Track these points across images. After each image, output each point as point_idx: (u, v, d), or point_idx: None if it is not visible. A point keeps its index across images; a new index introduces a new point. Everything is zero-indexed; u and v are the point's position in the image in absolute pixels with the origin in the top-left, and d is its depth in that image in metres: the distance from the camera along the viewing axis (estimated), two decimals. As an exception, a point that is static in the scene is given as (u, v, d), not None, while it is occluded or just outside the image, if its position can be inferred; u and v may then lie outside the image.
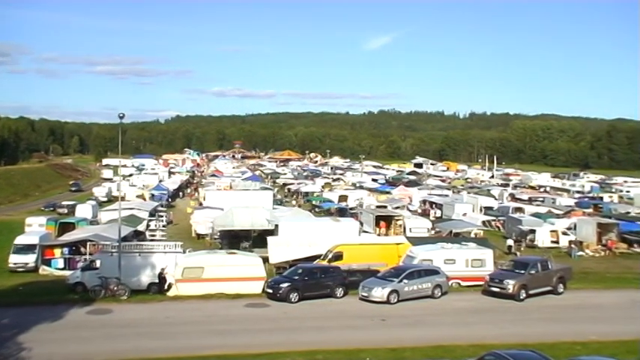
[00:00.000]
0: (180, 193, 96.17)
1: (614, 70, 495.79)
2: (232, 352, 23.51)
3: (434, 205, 75.47)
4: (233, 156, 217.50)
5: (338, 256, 37.76)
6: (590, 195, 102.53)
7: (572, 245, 51.85)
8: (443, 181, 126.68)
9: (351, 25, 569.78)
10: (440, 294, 33.76)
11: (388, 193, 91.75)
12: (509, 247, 51.33)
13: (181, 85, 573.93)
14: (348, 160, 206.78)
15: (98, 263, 35.00)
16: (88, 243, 41.05)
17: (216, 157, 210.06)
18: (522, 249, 51.96)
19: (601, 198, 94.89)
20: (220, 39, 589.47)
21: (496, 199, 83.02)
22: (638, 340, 24.07)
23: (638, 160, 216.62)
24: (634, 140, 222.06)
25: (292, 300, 31.82)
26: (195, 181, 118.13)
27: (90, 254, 39.50)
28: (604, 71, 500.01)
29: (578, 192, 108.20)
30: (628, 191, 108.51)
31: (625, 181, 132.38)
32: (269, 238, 42.20)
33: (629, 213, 74.61)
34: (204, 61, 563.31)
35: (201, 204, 69.83)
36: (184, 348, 23.94)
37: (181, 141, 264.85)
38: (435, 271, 34.46)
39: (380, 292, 32.10)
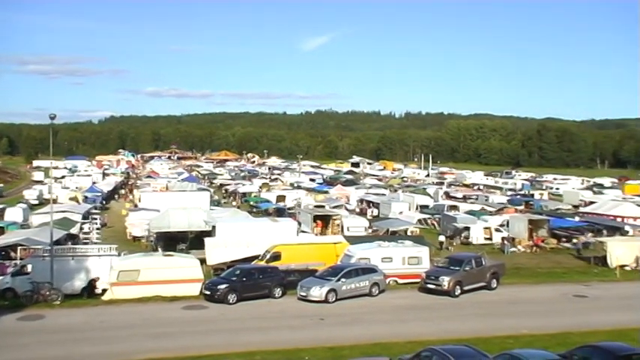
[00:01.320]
0: (115, 195, 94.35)
1: (543, 70, 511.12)
2: (169, 355, 23.27)
3: (371, 204, 76.14)
4: (169, 157, 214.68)
5: (276, 257, 37.73)
6: (522, 192, 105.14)
7: (505, 242, 53.10)
8: (380, 180, 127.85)
9: (289, 26, 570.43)
10: (377, 292, 34.19)
11: (326, 192, 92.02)
12: (441, 242, 52.34)
13: (116, 85, 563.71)
14: (286, 160, 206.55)
15: (29, 268, 33.99)
16: (19, 247, 39.81)
17: (152, 158, 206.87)
18: (454, 244, 53.08)
19: (532, 195, 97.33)
20: (156, 38, 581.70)
21: (431, 197, 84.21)
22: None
23: (566, 158, 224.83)
24: (563, 139, 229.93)
25: (230, 301, 31.72)
26: (130, 183, 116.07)
27: (21, 259, 38.25)
28: (534, 71, 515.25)
29: (510, 190, 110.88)
30: (557, 188, 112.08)
31: (554, 179, 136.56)
32: (206, 240, 41.85)
33: (558, 209, 77.01)
34: (140, 60, 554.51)
35: (136, 206, 68.67)
36: (120, 353, 23.55)
37: (115, 142, 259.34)
38: (372, 270, 34.88)
39: (318, 292, 32.30)
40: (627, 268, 43.78)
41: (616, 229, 57.57)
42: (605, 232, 56.45)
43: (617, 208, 68.29)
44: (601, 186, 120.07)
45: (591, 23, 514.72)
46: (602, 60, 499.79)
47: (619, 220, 62.18)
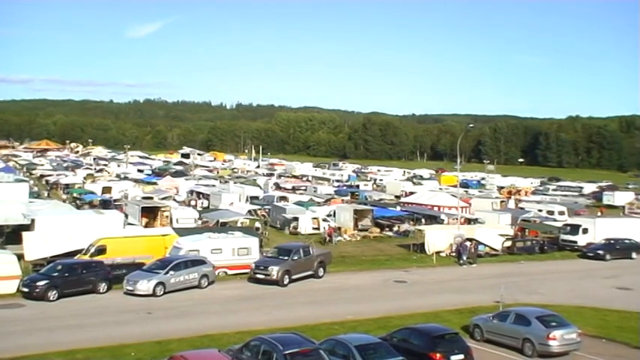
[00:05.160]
0: None
1: (369, 66, 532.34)
2: (-19, 358, 21.74)
3: (201, 196, 75.43)
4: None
5: (101, 250, 36.37)
6: (348, 183, 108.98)
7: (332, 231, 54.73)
8: (210, 171, 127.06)
9: (115, 11, 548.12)
10: (207, 284, 34.15)
11: (154, 183, 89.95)
12: (257, 228, 52.88)
13: None
14: (112, 150, 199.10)
15: None
16: None
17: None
18: (268, 229, 54.72)
19: (357, 186, 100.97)
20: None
21: (262, 188, 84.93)
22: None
23: (389, 151, 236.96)
24: (386, 132, 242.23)
25: (51, 298, 30.30)
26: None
27: None
28: (360, 67, 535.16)
29: (337, 181, 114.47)
30: (381, 179, 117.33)
31: (378, 170, 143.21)
32: (24, 234, 39.43)
33: (382, 199, 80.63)
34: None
35: (-57, 199, 63.29)
36: None
37: None
38: (201, 261, 34.77)
39: (145, 285, 31.70)
40: (442, 254, 46.89)
41: (433, 217, 61.32)
42: (423, 220, 59.98)
43: (435, 198, 72.79)
44: (420, 177, 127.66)
45: (413, 23, 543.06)
46: (421, 57, 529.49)
47: (436, 209, 66.24)
